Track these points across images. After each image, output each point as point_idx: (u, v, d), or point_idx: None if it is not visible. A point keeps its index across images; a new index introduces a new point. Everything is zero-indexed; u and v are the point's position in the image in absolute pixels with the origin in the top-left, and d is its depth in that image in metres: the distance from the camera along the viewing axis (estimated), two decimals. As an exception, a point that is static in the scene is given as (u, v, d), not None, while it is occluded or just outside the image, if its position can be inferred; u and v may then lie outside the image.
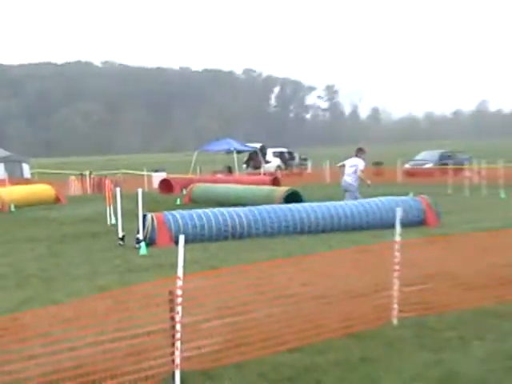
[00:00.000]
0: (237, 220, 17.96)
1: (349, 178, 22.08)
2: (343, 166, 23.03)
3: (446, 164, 42.81)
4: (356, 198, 21.37)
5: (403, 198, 20.80)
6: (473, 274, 10.51)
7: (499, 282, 10.34)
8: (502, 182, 31.80)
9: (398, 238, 8.88)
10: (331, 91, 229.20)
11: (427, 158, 52.12)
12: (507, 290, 10.08)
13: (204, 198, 27.43)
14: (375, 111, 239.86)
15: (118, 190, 18.55)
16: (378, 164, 52.49)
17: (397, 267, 8.84)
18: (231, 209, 18.68)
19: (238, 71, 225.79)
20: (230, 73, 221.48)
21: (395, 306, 8.80)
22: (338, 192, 30.76)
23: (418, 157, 53.49)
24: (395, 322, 8.76)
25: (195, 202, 27.54)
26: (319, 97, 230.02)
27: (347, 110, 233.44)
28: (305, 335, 8.05)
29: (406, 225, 14.69)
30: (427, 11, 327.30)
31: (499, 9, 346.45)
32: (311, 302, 8.86)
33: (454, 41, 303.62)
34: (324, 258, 11.14)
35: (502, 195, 29.93)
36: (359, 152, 22.49)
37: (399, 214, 9.08)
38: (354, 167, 22.03)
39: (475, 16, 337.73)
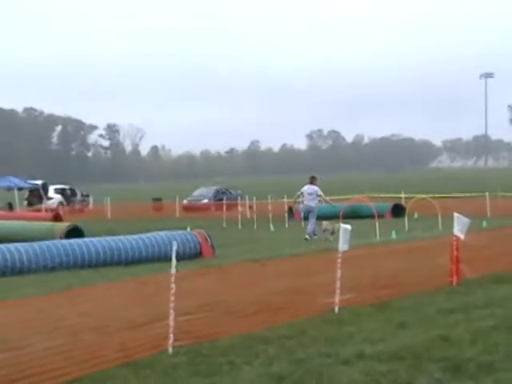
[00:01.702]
0: (16, 255, 17.40)
1: (310, 201, 25.47)
2: (301, 193, 25.92)
3: (221, 199, 43.71)
4: (315, 217, 25.06)
5: (180, 232, 21.04)
6: (244, 302, 10.75)
7: (268, 308, 10.64)
8: (271, 216, 32.78)
9: (173, 271, 8.92)
10: (112, 130, 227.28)
11: (204, 194, 53.05)
12: (275, 315, 10.39)
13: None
14: (155, 149, 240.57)
15: None
16: (157, 200, 52.69)
17: (172, 298, 8.87)
18: (11, 244, 18.07)
19: (19, 109, 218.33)
20: (11, 111, 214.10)
21: (171, 335, 8.81)
22: (119, 226, 30.52)
23: (195, 193, 54.27)
24: (170, 350, 8.74)
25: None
26: (101, 135, 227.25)
27: (128, 148, 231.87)
28: (83, 366, 7.89)
29: (183, 257, 14.88)
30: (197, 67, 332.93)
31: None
32: (90, 333, 8.72)
33: (227, 88, 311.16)
34: (103, 291, 11.01)
35: (272, 228, 30.90)
36: (314, 180, 25.89)
37: (175, 247, 9.14)
38: (313, 193, 25.40)
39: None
